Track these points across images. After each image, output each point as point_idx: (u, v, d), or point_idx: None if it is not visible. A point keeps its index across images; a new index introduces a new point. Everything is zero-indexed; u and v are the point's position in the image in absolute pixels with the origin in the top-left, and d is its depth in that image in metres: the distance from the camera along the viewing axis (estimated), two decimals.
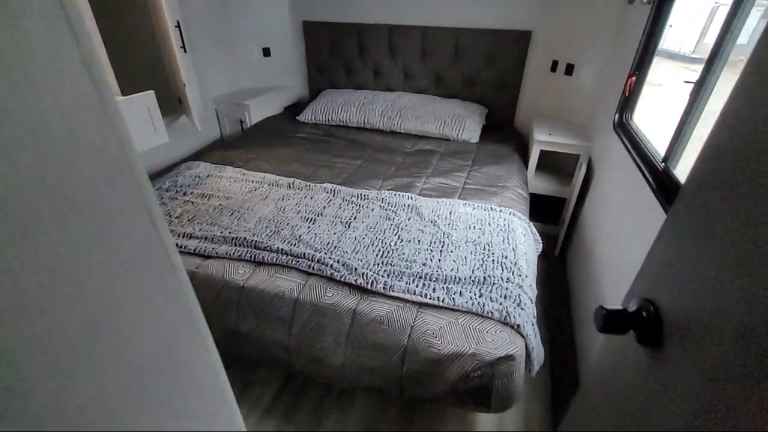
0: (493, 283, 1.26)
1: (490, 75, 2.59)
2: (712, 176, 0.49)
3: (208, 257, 1.40)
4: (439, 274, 1.29)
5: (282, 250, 1.39)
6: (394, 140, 2.45)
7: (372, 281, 1.26)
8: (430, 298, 1.21)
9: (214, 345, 0.49)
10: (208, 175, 1.93)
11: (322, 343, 1.23)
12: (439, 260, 1.36)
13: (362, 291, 1.26)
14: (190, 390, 0.45)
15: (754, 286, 0.37)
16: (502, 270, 1.32)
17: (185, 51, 2.28)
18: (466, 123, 2.44)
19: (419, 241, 1.46)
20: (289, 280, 1.31)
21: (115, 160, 0.32)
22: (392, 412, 1.48)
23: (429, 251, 1.41)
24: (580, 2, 2.14)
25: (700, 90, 1.08)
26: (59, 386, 0.28)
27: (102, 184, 0.31)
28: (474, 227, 1.55)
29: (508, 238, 1.49)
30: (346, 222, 1.58)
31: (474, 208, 1.68)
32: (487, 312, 1.17)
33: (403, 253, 1.40)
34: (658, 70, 1.62)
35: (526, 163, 2.27)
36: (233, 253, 1.39)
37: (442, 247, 1.43)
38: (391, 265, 1.34)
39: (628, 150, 1.50)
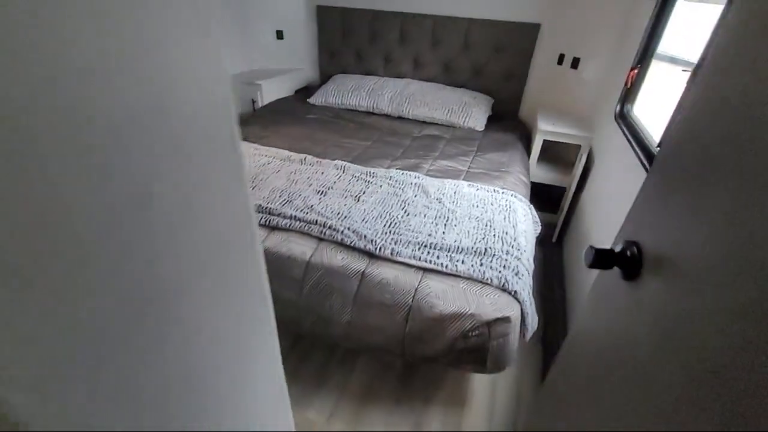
0: (494, 255, 1.35)
1: (497, 66, 2.66)
2: (685, 136, 0.57)
3: None
4: (443, 244, 1.37)
5: (295, 216, 1.47)
6: (402, 125, 2.52)
7: (380, 247, 1.34)
8: (434, 264, 1.29)
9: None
10: None
11: (330, 302, 1.31)
12: (443, 232, 1.45)
13: (370, 256, 1.35)
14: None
15: (714, 229, 0.45)
16: (503, 244, 1.40)
17: None
18: (472, 111, 2.51)
19: (425, 216, 1.55)
20: (301, 244, 1.39)
21: (219, 124, 0.37)
22: (391, 376, 1.57)
23: (434, 224, 1.49)
24: None
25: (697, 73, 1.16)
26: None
27: (212, 147, 0.36)
28: (477, 206, 1.63)
29: (509, 217, 1.57)
30: (356, 196, 1.66)
31: (477, 189, 1.76)
32: (487, 279, 1.26)
33: (410, 225, 1.48)
34: (657, 72, 1.70)
35: (528, 154, 2.34)
36: None
37: (446, 221, 1.52)
38: (398, 234, 1.42)
39: (628, 138, 1.58)
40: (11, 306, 0.22)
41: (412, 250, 1.34)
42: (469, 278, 1.27)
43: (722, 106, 0.50)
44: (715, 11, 0.92)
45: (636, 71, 1.70)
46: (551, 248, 2.31)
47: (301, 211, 1.52)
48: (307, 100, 2.79)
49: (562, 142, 2.25)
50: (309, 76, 3.18)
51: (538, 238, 1.79)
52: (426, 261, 1.30)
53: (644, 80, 1.71)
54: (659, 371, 0.49)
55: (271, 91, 2.80)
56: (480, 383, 1.57)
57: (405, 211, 1.57)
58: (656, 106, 1.66)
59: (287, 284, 1.35)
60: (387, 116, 2.64)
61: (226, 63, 0.36)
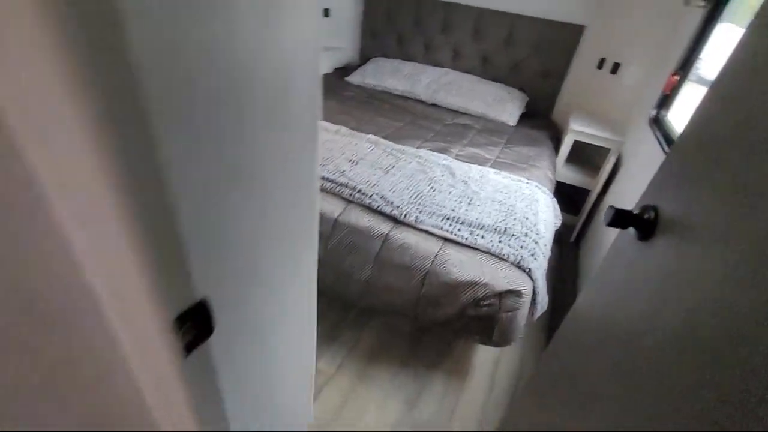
0: (512, 235, 1.40)
1: (536, 64, 2.68)
2: (707, 122, 0.61)
3: None
4: (464, 219, 1.43)
5: (327, 178, 1.55)
6: (434, 111, 2.58)
7: (405, 214, 1.41)
8: (455, 235, 1.36)
9: None
10: None
11: (352, 259, 1.40)
12: (466, 210, 1.51)
13: (395, 221, 1.42)
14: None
15: (724, 198, 0.51)
16: (522, 227, 1.45)
17: None
18: (506, 106, 2.55)
19: (449, 193, 1.61)
20: (330, 203, 1.48)
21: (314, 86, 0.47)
22: (400, 341, 1.64)
23: (458, 202, 1.55)
24: (637, 1, 2.21)
25: None
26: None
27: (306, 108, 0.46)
28: (501, 191, 1.68)
29: (531, 205, 1.62)
30: (385, 168, 1.73)
31: (503, 177, 1.81)
32: (504, 254, 1.31)
33: (434, 200, 1.54)
34: (691, 89, 1.72)
35: (557, 153, 2.37)
36: None
37: (470, 201, 1.58)
38: (422, 205, 1.49)
39: (660, 143, 1.60)
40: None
41: (435, 221, 1.41)
42: (487, 252, 1.33)
43: (731, 104, 0.55)
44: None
45: (677, 77, 1.71)
46: (568, 247, 2.34)
47: (333, 174, 1.60)
48: (345, 78, 2.87)
49: (592, 145, 2.27)
50: (349, 56, 3.26)
51: (556, 232, 1.83)
52: (447, 231, 1.37)
53: (682, 88, 1.72)
54: (664, 325, 0.55)
55: None
56: (484, 357, 1.63)
57: (431, 188, 1.63)
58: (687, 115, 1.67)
59: None
60: (421, 102, 2.69)
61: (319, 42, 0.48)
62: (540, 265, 1.35)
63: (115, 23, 0.25)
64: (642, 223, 0.67)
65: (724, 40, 1.61)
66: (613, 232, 1.75)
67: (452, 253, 1.32)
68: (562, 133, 2.62)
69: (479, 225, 1.42)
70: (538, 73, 2.70)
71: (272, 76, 0.40)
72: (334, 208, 1.46)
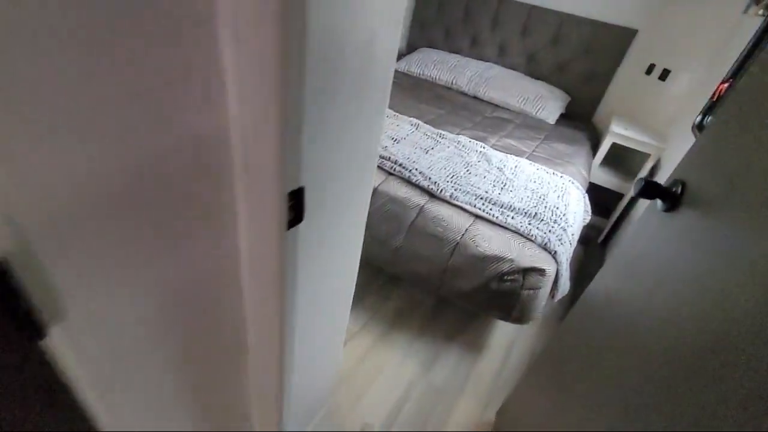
0: (542, 220, 1.46)
1: (582, 66, 2.68)
2: (742, 104, 0.67)
3: None
4: (497, 200, 1.51)
5: None
6: (475, 103, 2.64)
7: (441, 189, 1.50)
8: (487, 213, 1.44)
9: None
10: None
11: (387, 226, 1.50)
12: (499, 193, 1.58)
13: (431, 195, 1.51)
14: None
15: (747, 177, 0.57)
16: (552, 214, 1.51)
17: None
18: (547, 104, 2.57)
19: (484, 177, 1.68)
20: None
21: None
22: (421, 312, 1.74)
23: (492, 185, 1.63)
24: (694, 7, 2.18)
25: None
26: None
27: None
28: (534, 181, 1.74)
29: (562, 196, 1.67)
30: (425, 149, 1.82)
31: (537, 169, 1.86)
32: (532, 236, 1.38)
33: (470, 181, 1.62)
34: None
35: (594, 155, 2.38)
36: None
37: (503, 186, 1.64)
38: (458, 184, 1.57)
39: None
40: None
41: (469, 198, 1.49)
42: (516, 232, 1.40)
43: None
44: None
45: (727, 85, 1.71)
46: (595, 248, 2.36)
47: None
48: None
49: (630, 150, 2.27)
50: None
51: (584, 232, 1.87)
52: (479, 209, 1.45)
53: (731, 95, 1.71)
54: (685, 291, 0.61)
55: None
56: (500, 336, 1.70)
57: (467, 170, 1.71)
58: None
59: None
60: (463, 94, 2.75)
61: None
62: (565, 251, 1.41)
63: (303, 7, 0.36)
64: (669, 195, 0.74)
65: None
66: None
67: (482, 228, 1.40)
68: (601, 137, 2.62)
69: (510, 207, 1.49)
70: (583, 75, 2.70)
71: (361, 47, 0.51)
72: (375, 177, 1.56)
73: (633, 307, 0.76)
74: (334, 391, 1.36)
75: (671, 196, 0.73)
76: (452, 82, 2.77)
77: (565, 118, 2.66)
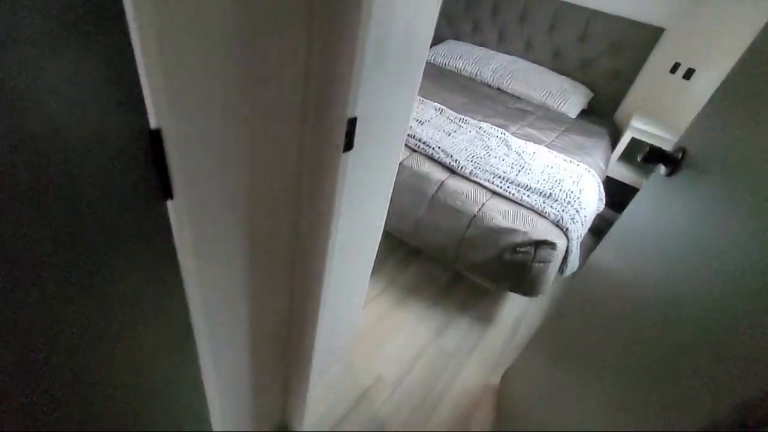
0: (556, 200, 1.54)
1: (607, 63, 2.72)
2: (742, 78, 0.75)
3: None
4: (514, 180, 1.59)
5: None
6: (498, 95, 2.71)
7: (462, 166, 1.60)
8: (504, 190, 1.53)
9: None
10: None
11: (409, 199, 1.60)
12: (517, 174, 1.66)
13: (451, 172, 1.61)
14: None
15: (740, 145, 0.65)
16: (566, 196, 1.59)
17: None
18: (569, 98, 2.62)
19: (503, 160, 1.77)
20: None
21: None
22: (436, 284, 1.84)
23: (510, 167, 1.71)
24: (726, 7, 2.20)
25: None
26: None
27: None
28: (551, 167, 1.82)
29: (577, 182, 1.74)
30: (447, 132, 1.91)
31: (555, 156, 1.93)
32: (546, 213, 1.47)
33: (489, 162, 1.71)
34: None
35: (612, 150, 2.43)
36: None
37: (521, 168, 1.73)
38: (478, 163, 1.66)
39: None
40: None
41: (487, 176, 1.58)
42: (530, 208, 1.49)
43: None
44: None
45: None
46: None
47: None
48: None
49: (650, 145, 2.31)
50: None
51: (595, 224, 1.93)
52: (497, 186, 1.54)
53: None
54: (680, 250, 0.70)
55: None
56: (510, 311, 1.79)
57: (487, 153, 1.80)
58: None
59: None
60: (487, 85, 2.83)
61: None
62: (577, 229, 1.49)
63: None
64: (671, 160, 0.82)
65: None
66: None
67: (498, 204, 1.49)
68: (621, 133, 2.66)
69: (527, 187, 1.57)
70: (608, 73, 2.74)
71: (401, 33, 0.62)
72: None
73: (628, 272, 0.85)
74: (352, 346, 1.48)
75: (672, 161, 0.82)
76: (476, 74, 2.85)
77: (587, 113, 2.71)
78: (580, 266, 1.70)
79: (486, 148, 1.83)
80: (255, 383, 1.01)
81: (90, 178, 0.37)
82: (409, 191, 1.60)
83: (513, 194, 1.52)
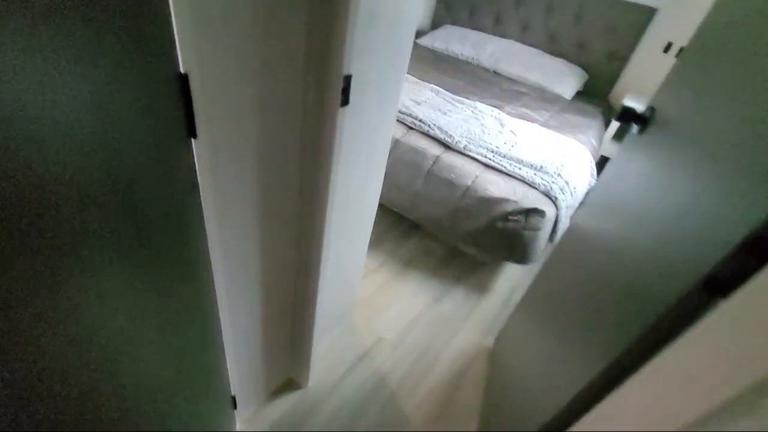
0: (547, 172, 1.62)
1: (603, 45, 2.76)
2: (702, 42, 0.82)
3: None
4: (506, 154, 1.67)
5: None
6: (494, 77, 2.77)
7: (456, 142, 1.67)
8: (496, 163, 1.61)
9: None
10: None
11: (406, 173, 1.68)
12: (509, 150, 1.74)
13: (446, 147, 1.69)
14: None
15: (697, 106, 0.73)
16: (556, 169, 1.66)
17: None
18: (564, 79, 2.68)
19: (496, 137, 1.84)
20: (395, 129, 1.76)
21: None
22: (433, 257, 1.93)
23: (503, 143, 1.79)
24: None
25: None
26: None
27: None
28: (544, 144, 1.89)
29: (569, 157, 1.81)
30: (444, 111, 1.99)
31: (548, 133, 2.00)
32: (536, 184, 1.55)
33: (483, 138, 1.79)
34: None
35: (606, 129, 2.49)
36: None
37: (514, 144, 1.80)
38: (472, 139, 1.74)
39: None
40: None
41: (481, 151, 1.66)
42: (521, 180, 1.57)
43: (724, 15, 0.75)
44: None
45: None
46: None
47: (399, 108, 1.88)
48: (415, 40, 3.11)
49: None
50: (421, 22, 3.48)
51: (587, 192, 2.00)
52: (490, 159, 1.62)
53: None
54: (640, 195, 0.78)
55: None
56: (504, 281, 1.88)
57: (481, 130, 1.87)
58: None
59: None
60: (483, 69, 2.89)
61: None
62: (566, 199, 1.57)
63: None
64: (641, 119, 0.90)
65: None
66: None
67: (491, 176, 1.57)
68: (615, 113, 2.71)
69: (518, 160, 1.65)
70: (603, 54, 2.79)
71: (391, 16, 0.69)
72: (397, 132, 1.75)
73: (598, 228, 0.93)
74: (353, 310, 1.58)
75: (643, 120, 0.89)
76: (473, 57, 2.91)
77: (582, 94, 2.76)
78: None
79: (480, 126, 1.90)
80: (265, 344, 1.11)
81: (132, 115, 0.46)
82: (406, 166, 1.68)
83: (505, 167, 1.59)
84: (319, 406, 1.29)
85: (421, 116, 1.82)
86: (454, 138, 1.69)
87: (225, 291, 0.78)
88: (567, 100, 2.64)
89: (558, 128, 2.15)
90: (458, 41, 2.98)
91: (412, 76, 2.33)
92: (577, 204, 1.70)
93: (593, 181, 2.01)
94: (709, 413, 0.52)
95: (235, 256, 0.76)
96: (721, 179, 0.55)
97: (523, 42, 3.03)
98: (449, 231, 1.68)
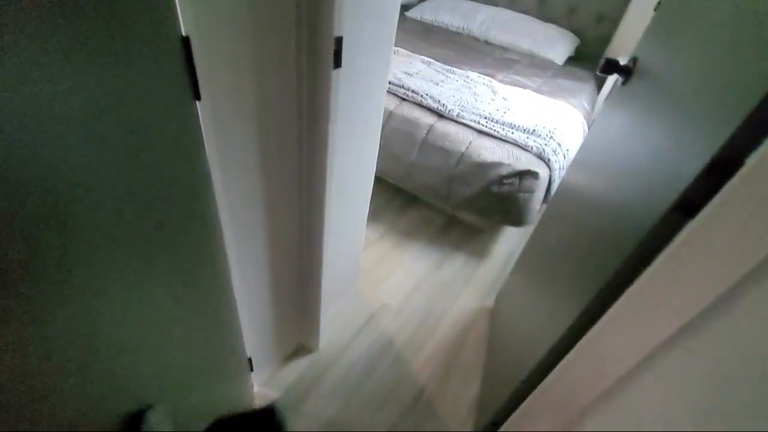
0: (539, 135, 1.65)
1: (592, 7, 2.74)
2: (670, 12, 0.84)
3: None
4: (499, 119, 1.70)
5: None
6: (485, 47, 2.75)
7: (449, 110, 1.70)
8: (489, 129, 1.64)
9: None
10: None
11: (402, 144, 1.72)
12: (502, 115, 1.76)
13: (439, 116, 1.71)
14: None
15: (676, 57, 0.75)
16: (548, 132, 1.69)
17: None
18: (555, 44, 2.67)
19: (489, 104, 1.86)
20: (388, 100, 1.78)
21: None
22: (432, 227, 1.98)
23: (496, 109, 1.81)
24: None
25: None
26: None
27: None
28: (535, 108, 1.91)
29: (560, 120, 1.84)
30: (436, 82, 2.00)
31: (540, 98, 2.02)
32: (529, 147, 1.58)
33: (476, 106, 1.81)
34: None
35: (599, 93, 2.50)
36: None
37: (506, 111, 1.82)
38: (464, 107, 1.76)
39: None
40: None
41: (474, 117, 1.69)
42: (515, 144, 1.60)
43: None
44: None
45: None
46: None
47: (392, 80, 1.90)
48: (405, 13, 3.08)
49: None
50: None
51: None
52: (483, 125, 1.65)
53: None
54: (633, 136, 0.81)
55: None
56: (501, 247, 1.94)
57: (474, 98, 1.89)
58: None
59: None
60: (474, 38, 2.87)
61: None
62: (559, 160, 1.60)
63: None
64: (624, 70, 0.92)
65: None
66: None
67: (485, 141, 1.61)
68: (608, 78, 2.72)
69: (511, 125, 1.68)
70: (594, 17, 2.77)
71: None
72: (390, 103, 1.77)
73: (584, 182, 0.97)
74: (357, 279, 1.64)
75: (626, 71, 0.92)
76: (464, 27, 2.88)
77: (574, 59, 2.76)
78: None
79: (473, 95, 1.92)
80: (277, 309, 1.17)
81: (140, 78, 0.49)
82: (400, 137, 1.71)
83: (498, 132, 1.62)
84: (331, 368, 1.36)
85: (413, 87, 1.83)
86: (447, 106, 1.71)
87: (235, 255, 0.83)
88: (559, 65, 2.64)
89: (550, 93, 2.17)
90: (447, 11, 2.95)
91: (403, 48, 2.32)
92: (569, 163, 1.74)
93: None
94: (679, 330, 0.58)
95: (243, 219, 0.80)
96: (692, 116, 0.59)
97: (513, 9, 3.00)
98: (446, 199, 1.73)
